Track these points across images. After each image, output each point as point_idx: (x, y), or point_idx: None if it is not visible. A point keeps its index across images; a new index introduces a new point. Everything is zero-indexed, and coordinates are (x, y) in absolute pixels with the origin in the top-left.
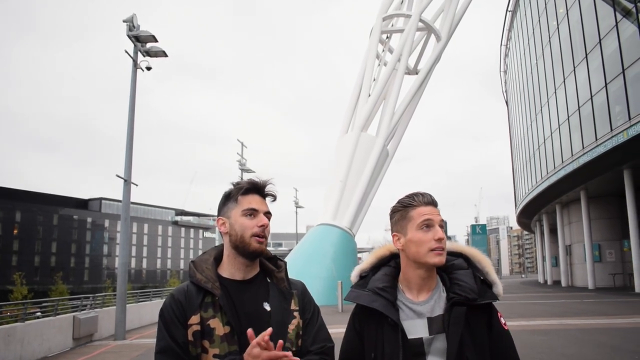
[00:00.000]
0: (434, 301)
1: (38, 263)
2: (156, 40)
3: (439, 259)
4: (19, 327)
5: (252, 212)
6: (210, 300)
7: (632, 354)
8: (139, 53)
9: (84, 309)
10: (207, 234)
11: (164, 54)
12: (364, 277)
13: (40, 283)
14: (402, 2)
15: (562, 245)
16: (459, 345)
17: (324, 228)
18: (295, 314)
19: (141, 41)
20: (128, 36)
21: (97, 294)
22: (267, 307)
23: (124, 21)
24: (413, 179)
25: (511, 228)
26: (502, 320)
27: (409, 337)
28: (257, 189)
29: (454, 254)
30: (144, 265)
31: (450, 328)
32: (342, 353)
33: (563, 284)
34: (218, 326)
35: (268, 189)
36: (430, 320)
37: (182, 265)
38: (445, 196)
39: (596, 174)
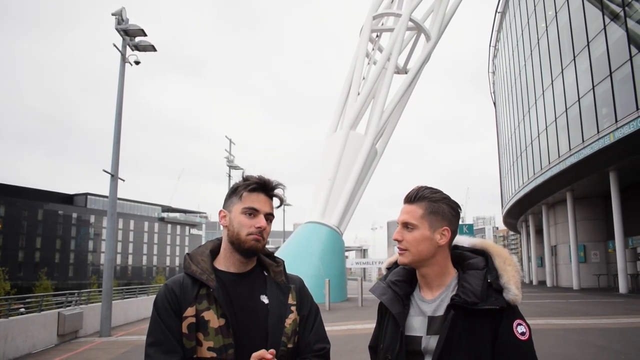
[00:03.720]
0: (440, 300)
1: (22, 258)
2: (145, 34)
3: (399, 259)
4: (2, 323)
5: (252, 212)
6: (205, 292)
7: (618, 354)
8: (127, 47)
9: (69, 305)
10: (194, 231)
11: (152, 48)
12: (389, 269)
13: (24, 279)
14: (393, 1)
15: (548, 246)
16: (442, 349)
17: (312, 226)
18: (293, 308)
19: (130, 35)
20: (117, 29)
21: (82, 290)
22: (265, 299)
23: (112, 14)
24: (399, 178)
25: (497, 228)
26: (520, 330)
27: (408, 333)
28: (265, 188)
29: (477, 252)
30: (130, 261)
31: (442, 331)
32: (370, 341)
33: (548, 284)
34: (212, 318)
35: (276, 191)
36: (431, 320)
37: (168, 262)
38: None
39: (582, 176)
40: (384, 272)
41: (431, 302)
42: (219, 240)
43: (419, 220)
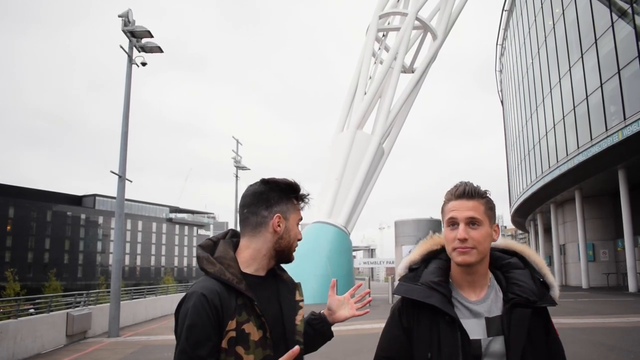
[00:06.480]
0: (491, 301)
1: (31, 259)
2: (151, 36)
3: (462, 259)
4: (11, 324)
5: (299, 224)
6: (242, 302)
7: (628, 353)
8: (134, 48)
9: (78, 306)
10: (202, 232)
11: (159, 49)
12: (413, 270)
13: (33, 279)
14: (399, 0)
15: (556, 245)
16: (514, 349)
17: (319, 226)
18: (301, 304)
19: (136, 36)
20: (123, 31)
21: (90, 291)
22: (282, 301)
23: (119, 16)
24: (407, 177)
25: (505, 227)
26: (555, 326)
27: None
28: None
29: (507, 252)
30: (138, 262)
31: (512, 330)
32: (383, 351)
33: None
34: (253, 331)
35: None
36: (488, 321)
37: (176, 263)
38: (438, 194)
39: (591, 174)
40: (402, 272)
41: (481, 302)
42: (230, 237)
43: (483, 216)
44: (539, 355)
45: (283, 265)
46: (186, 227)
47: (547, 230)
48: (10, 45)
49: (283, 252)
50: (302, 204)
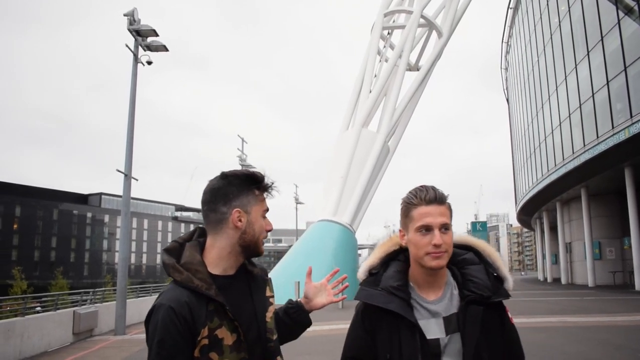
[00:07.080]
0: (447, 299)
1: (38, 258)
2: (157, 35)
3: (436, 263)
4: (18, 322)
5: (265, 215)
6: (213, 307)
7: (634, 352)
8: (139, 47)
9: (84, 304)
10: None
11: (164, 48)
12: (373, 274)
13: (40, 278)
14: None
15: (562, 243)
16: (469, 345)
17: (325, 224)
18: (272, 300)
19: (142, 35)
20: (129, 30)
21: (97, 289)
22: (254, 299)
23: (124, 15)
24: (412, 175)
25: (511, 225)
26: (509, 315)
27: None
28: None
29: (463, 247)
30: (144, 260)
31: (467, 328)
32: (348, 350)
33: (563, 281)
34: (226, 335)
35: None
36: (446, 320)
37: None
38: (444, 192)
39: (597, 172)
40: (363, 276)
41: (438, 302)
42: (197, 237)
43: (450, 220)
44: (494, 348)
45: (287, 264)
46: (192, 226)
47: (553, 229)
48: (10, 45)
49: (249, 247)
50: (266, 195)
